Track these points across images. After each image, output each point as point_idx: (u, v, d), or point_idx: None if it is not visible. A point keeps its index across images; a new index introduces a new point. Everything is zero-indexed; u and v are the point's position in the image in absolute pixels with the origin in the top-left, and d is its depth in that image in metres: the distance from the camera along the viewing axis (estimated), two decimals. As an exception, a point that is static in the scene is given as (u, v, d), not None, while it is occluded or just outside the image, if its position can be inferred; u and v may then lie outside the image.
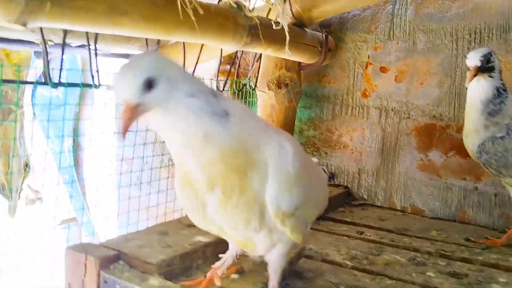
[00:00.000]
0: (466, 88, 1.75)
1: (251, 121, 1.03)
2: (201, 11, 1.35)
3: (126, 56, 2.32)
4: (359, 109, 2.40)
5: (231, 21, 1.64)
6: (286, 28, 1.68)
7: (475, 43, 2.08)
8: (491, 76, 1.68)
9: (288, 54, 1.75)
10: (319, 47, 2.28)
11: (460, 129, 2.11)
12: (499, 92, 1.68)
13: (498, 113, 1.68)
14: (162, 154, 2.23)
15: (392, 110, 2.31)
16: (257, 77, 2.36)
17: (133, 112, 0.90)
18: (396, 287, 1.37)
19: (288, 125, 2.39)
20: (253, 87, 2.38)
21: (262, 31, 1.72)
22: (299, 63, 2.37)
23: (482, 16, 2.07)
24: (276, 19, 1.96)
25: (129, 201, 2.09)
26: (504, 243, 1.74)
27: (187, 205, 1.09)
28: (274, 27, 1.69)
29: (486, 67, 1.66)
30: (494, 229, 2.02)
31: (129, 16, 1.26)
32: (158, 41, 1.58)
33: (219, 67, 2.19)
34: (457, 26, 2.13)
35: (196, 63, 1.94)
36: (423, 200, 2.24)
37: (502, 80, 1.71)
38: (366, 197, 2.38)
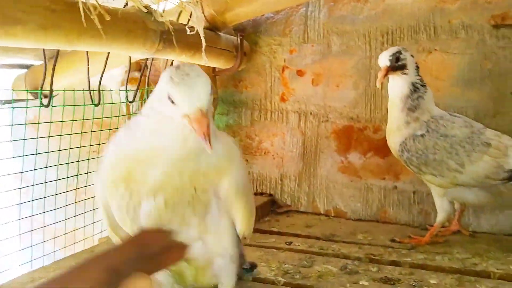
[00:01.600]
0: (378, 87, 1.77)
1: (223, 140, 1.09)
2: (107, 17, 1.20)
3: (23, 66, 2.07)
4: (278, 114, 2.35)
5: (141, 26, 1.49)
6: (202, 34, 1.56)
7: (387, 44, 2.11)
8: (404, 73, 1.70)
9: (205, 62, 1.63)
10: (234, 51, 2.19)
11: (377, 130, 2.14)
12: (416, 87, 1.72)
13: (417, 108, 1.71)
14: (68, 177, 1.98)
15: (310, 113, 2.29)
16: (170, 85, 2.22)
17: (207, 118, 0.90)
18: (333, 301, 1.32)
19: (206, 134, 2.27)
20: (167, 95, 2.23)
21: (175, 36, 1.59)
22: (214, 68, 2.27)
23: (393, 18, 2.10)
24: (188, 23, 1.84)
25: (31, 233, 1.84)
26: (428, 242, 1.77)
27: (117, 204, 1.02)
28: (188, 32, 1.57)
29: (396, 66, 1.68)
30: (415, 226, 2.07)
31: (24, 25, 1.08)
32: (58, 50, 1.40)
33: (128, 76, 2.03)
34: (370, 28, 2.15)
35: (103, 71, 1.76)
36: (345, 202, 2.24)
37: (419, 75, 1.73)
38: (290, 203, 2.33)
